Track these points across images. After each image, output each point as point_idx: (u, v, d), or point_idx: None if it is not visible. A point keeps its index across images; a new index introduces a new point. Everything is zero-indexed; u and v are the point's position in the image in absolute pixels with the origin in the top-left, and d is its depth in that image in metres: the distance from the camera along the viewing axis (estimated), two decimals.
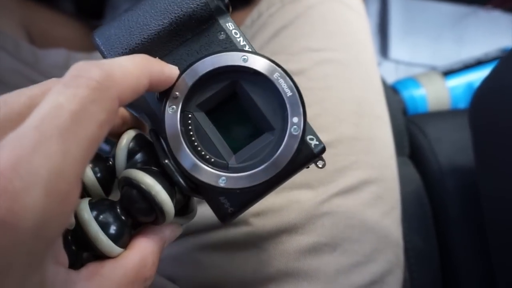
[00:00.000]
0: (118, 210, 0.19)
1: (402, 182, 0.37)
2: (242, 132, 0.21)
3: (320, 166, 0.22)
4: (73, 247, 0.18)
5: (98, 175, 0.21)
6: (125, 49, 0.21)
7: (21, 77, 0.41)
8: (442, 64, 0.74)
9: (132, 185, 0.19)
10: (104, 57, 0.22)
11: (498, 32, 0.86)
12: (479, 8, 0.88)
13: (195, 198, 0.23)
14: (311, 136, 0.21)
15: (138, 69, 0.17)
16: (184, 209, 0.22)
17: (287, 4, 0.38)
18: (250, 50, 0.21)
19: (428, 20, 0.88)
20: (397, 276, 0.32)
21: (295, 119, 0.19)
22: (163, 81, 0.19)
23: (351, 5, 0.39)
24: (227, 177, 0.19)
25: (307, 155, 0.21)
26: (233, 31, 0.21)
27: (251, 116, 0.21)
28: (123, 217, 0.19)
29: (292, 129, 0.19)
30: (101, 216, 0.19)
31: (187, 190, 0.20)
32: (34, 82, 0.45)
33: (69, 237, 0.19)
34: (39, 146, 0.13)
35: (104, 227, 0.19)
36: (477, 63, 0.70)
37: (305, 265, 0.28)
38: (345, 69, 0.35)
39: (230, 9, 0.22)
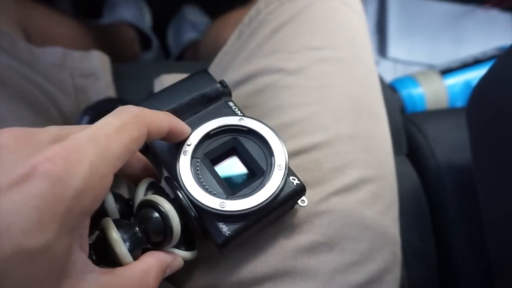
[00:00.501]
0: (136, 228, 0.23)
1: (399, 181, 0.37)
2: (239, 176, 0.27)
3: (303, 205, 0.27)
4: (93, 257, 0.22)
5: (119, 208, 0.25)
6: None
7: (18, 75, 0.41)
8: (440, 63, 0.74)
9: (150, 204, 0.24)
10: None
11: (495, 31, 0.86)
12: (476, 7, 0.88)
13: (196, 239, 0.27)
14: (293, 177, 0.26)
15: (162, 115, 0.24)
16: (187, 246, 0.26)
17: (285, 2, 0.37)
18: (244, 115, 0.28)
19: (426, 19, 0.88)
20: (395, 275, 0.32)
21: (280, 161, 0.26)
22: (179, 132, 0.25)
23: (350, 3, 0.39)
24: (226, 203, 0.24)
25: (290, 191, 0.26)
26: (233, 107, 0.29)
27: (246, 163, 0.27)
28: (139, 234, 0.23)
29: (277, 167, 0.25)
30: (121, 230, 0.23)
31: (193, 216, 0.25)
32: (30, 80, 0.45)
33: (91, 251, 0.22)
34: (91, 140, 0.19)
35: (123, 239, 0.22)
36: (475, 62, 0.70)
37: (302, 264, 0.28)
38: (344, 67, 0.35)
39: (232, 94, 0.30)
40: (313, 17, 0.37)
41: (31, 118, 0.38)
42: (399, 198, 0.36)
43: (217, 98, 0.29)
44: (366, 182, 0.32)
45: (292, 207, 0.28)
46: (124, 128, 0.21)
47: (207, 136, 0.27)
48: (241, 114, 0.28)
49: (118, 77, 0.48)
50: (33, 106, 0.40)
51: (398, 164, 0.38)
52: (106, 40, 0.72)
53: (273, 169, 0.25)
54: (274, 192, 0.25)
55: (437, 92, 0.68)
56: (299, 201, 0.27)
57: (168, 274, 0.24)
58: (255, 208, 0.24)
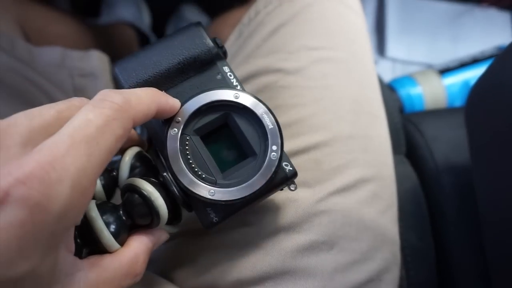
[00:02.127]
0: (120, 212, 0.23)
1: (398, 181, 0.37)
2: (229, 155, 0.25)
3: (292, 189, 0.26)
4: (78, 240, 0.21)
5: (103, 182, 0.24)
6: (139, 80, 0.25)
7: (16, 74, 0.40)
8: (439, 62, 0.74)
9: (135, 191, 0.23)
10: (121, 85, 0.26)
11: (494, 30, 0.86)
12: (475, 6, 0.88)
13: (183, 210, 0.26)
14: (286, 163, 0.25)
15: (149, 99, 0.21)
16: (172, 219, 0.25)
17: (284, 2, 0.37)
18: (241, 89, 0.25)
19: (424, 18, 0.88)
20: (394, 274, 0.32)
21: (274, 147, 0.24)
22: (168, 110, 0.23)
23: (348, 3, 0.39)
24: (215, 191, 0.23)
25: (282, 178, 0.25)
26: (228, 73, 0.26)
27: (238, 142, 0.25)
28: (123, 218, 0.23)
29: (271, 156, 0.24)
30: (105, 215, 0.22)
31: (180, 200, 0.24)
32: (29, 80, 0.45)
33: (76, 232, 0.21)
34: (71, 149, 0.17)
35: (107, 224, 0.22)
36: (473, 61, 0.70)
37: (302, 263, 0.28)
38: (342, 67, 0.35)
39: (227, 56, 0.27)
40: (312, 17, 0.37)
41: None
42: (398, 198, 0.36)
43: (211, 61, 0.26)
44: (365, 182, 0.32)
45: (282, 189, 0.26)
46: (108, 127, 0.18)
47: (198, 111, 0.25)
48: (236, 84, 0.26)
49: None
50: (33, 105, 0.39)
51: (397, 164, 0.38)
52: (105, 40, 0.72)
53: (267, 155, 0.24)
54: (265, 183, 0.24)
55: (435, 91, 0.68)
56: (289, 186, 0.26)
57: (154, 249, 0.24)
58: (244, 199, 0.24)
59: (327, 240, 0.29)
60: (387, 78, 0.75)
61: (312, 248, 0.29)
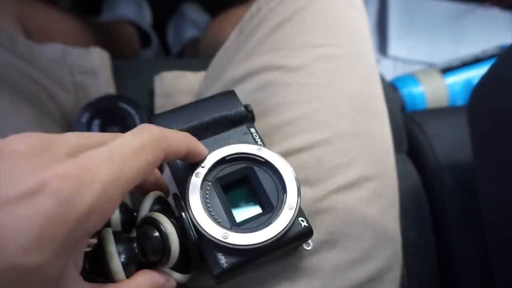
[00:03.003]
0: (134, 244, 0.23)
1: (400, 179, 0.37)
2: (248, 207, 0.26)
3: (308, 248, 0.26)
4: (87, 266, 0.22)
5: (122, 217, 0.25)
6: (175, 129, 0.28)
7: (17, 72, 0.40)
8: (440, 61, 0.74)
9: (152, 222, 0.24)
10: None
11: (496, 30, 0.86)
12: (477, 5, 0.88)
13: (193, 264, 0.27)
14: (302, 218, 0.26)
15: (182, 139, 0.24)
16: (180, 266, 0.26)
17: None
18: (264, 146, 0.28)
19: (426, 17, 0.88)
20: (396, 273, 0.32)
21: (291, 200, 0.25)
22: (196, 154, 0.25)
23: (351, 0, 0.39)
24: (229, 235, 0.24)
25: (296, 233, 0.25)
26: (254, 134, 0.29)
27: (256, 194, 0.26)
28: (136, 251, 0.23)
29: (287, 207, 0.25)
30: (119, 244, 0.22)
31: (193, 242, 0.24)
32: (30, 77, 0.45)
33: (86, 258, 0.22)
34: (106, 161, 0.19)
35: (119, 253, 0.22)
36: (475, 61, 0.70)
37: (303, 262, 0.28)
38: (345, 65, 0.35)
39: (255, 119, 0.30)
40: (314, 14, 0.37)
41: (31, 115, 0.38)
42: (399, 196, 0.36)
43: (240, 122, 0.29)
44: (367, 180, 0.32)
45: (296, 248, 0.27)
46: (142, 150, 0.20)
47: (223, 161, 0.26)
48: (261, 143, 0.28)
49: (118, 74, 0.48)
50: (33, 102, 0.39)
51: (398, 163, 0.38)
52: (106, 37, 0.72)
53: (283, 207, 0.25)
54: (279, 233, 0.24)
55: (437, 90, 0.68)
56: (303, 245, 0.26)
57: None
58: (257, 246, 0.24)
59: (329, 238, 0.29)
60: (389, 77, 0.75)
61: (313, 246, 0.29)
